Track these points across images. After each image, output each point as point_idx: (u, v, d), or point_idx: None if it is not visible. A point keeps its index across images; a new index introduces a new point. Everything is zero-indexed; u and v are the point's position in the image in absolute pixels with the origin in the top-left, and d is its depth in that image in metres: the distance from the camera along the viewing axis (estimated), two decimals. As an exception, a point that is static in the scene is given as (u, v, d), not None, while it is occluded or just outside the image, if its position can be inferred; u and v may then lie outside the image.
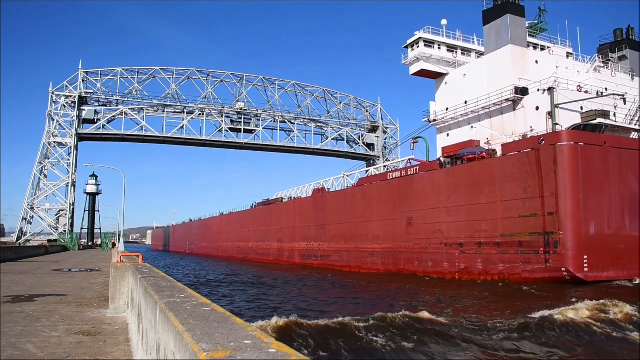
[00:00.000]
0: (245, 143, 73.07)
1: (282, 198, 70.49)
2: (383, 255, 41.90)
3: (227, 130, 71.82)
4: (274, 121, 75.10)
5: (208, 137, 71.09)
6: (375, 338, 13.46)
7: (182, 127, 69.94)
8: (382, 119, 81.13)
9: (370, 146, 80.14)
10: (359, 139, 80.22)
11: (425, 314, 16.13)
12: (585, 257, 27.58)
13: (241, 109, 72.46)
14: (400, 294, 26.94)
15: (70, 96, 66.23)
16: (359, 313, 16.72)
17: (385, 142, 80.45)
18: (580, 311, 17.19)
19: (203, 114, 71.54)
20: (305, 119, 76.83)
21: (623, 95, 37.06)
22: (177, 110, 71.05)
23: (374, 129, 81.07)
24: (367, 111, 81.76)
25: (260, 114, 74.08)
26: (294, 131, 75.73)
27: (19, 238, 63.84)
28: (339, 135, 78.93)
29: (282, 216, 63.60)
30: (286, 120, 75.70)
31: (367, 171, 61.41)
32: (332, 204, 51.48)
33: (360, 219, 45.37)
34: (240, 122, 72.49)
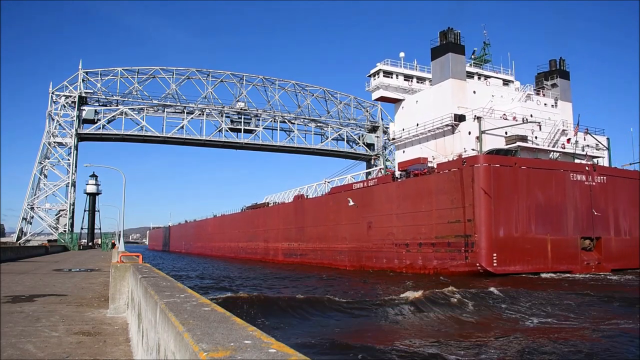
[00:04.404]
0: (245, 143, 73.15)
1: (268, 202, 74.28)
2: (349, 253, 48.27)
3: (227, 130, 71.89)
4: (274, 121, 75.15)
5: (208, 137, 71.15)
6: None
7: (182, 127, 70.07)
8: (382, 119, 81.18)
9: (370, 146, 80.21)
10: (359, 139, 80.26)
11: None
12: (495, 254, 33.81)
13: (241, 109, 72.48)
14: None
15: (70, 96, 66.28)
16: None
17: (385, 142, 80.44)
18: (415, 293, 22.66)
19: (203, 114, 71.59)
20: (305, 119, 76.85)
21: (539, 123, 43.87)
22: (177, 110, 71.09)
23: (374, 129, 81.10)
24: (367, 111, 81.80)
25: (260, 114, 74.11)
26: (294, 131, 75.79)
27: (19, 238, 63.91)
28: (339, 135, 79.03)
29: (268, 219, 69.20)
30: (286, 120, 75.73)
31: (368, 172, 62.15)
32: (309, 209, 57.43)
33: (332, 223, 51.54)
34: (240, 122, 72.55)
